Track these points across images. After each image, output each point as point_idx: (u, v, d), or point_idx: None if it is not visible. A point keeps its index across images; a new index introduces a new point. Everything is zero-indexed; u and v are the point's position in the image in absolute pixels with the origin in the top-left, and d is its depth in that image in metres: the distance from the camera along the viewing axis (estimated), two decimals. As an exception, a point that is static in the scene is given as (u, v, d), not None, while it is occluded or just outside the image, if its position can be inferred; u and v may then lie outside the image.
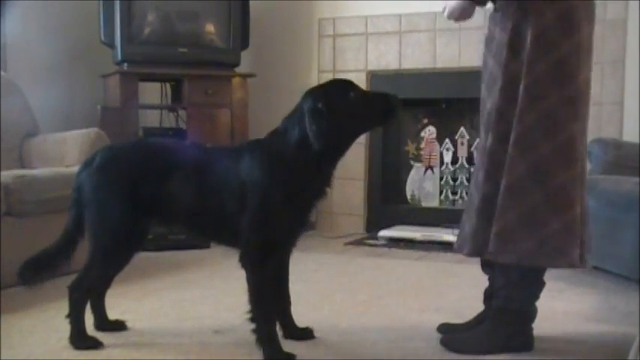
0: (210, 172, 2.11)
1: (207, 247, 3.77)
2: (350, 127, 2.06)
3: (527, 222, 2.02)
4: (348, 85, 2.06)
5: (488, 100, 2.14)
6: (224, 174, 2.09)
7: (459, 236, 2.25)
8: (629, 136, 3.83)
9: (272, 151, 2.06)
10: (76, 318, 2.17)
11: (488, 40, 2.18)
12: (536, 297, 2.19)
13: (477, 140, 4.32)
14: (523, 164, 2.01)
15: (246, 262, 2.06)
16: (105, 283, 2.32)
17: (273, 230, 2.05)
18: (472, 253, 2.15)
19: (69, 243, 2.23)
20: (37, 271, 2.20)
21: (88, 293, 2.22)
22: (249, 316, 2.06)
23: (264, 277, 2.08)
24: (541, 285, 2.18)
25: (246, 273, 2.06)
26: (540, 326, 2.26)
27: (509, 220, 2.03)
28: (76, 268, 2.23)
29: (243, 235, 2.04)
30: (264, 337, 2.06)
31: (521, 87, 2.01)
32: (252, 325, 2.06)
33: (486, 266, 2.26)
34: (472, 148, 4.42)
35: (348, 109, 2.01)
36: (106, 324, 2.34)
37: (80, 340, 2.17)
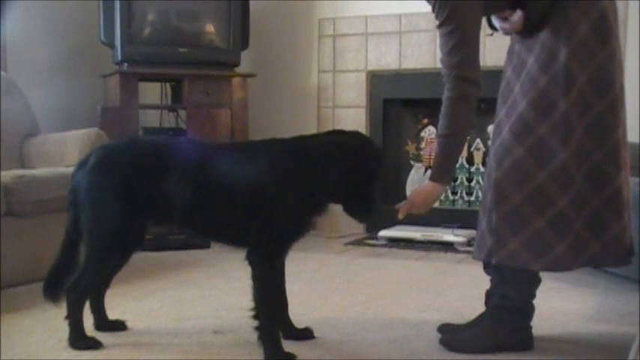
0: (214, 168, 2.09)
1: (208, 247, 3.77)
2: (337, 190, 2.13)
3: (591, 228, 2.04)
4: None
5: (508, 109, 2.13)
6: (234, 171, 2.07)
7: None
8: (629, 136, 3.77)
9: (301, 155, 2.07)
10: (74, 319, 2.17)
11: (518, 65, 2.14)
12: (532, 294, 2.18)
13: (477, 140, 4.37)
14: (580, 173, 2.03)
15: (254, 258, 2.05)
16: (104, 284, 2.32)
17: (292, 229, 2.07)
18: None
19: (72, 246, 2.23)
20: (57, 286, 2.20)
21: (86, 294, 2.21)
22: (252, 314, 2.06)
23: (271, 275, 2.08)
24: (536, 282, 2.18)
25: (253, 270, 2.05)
26: (540, 326, 2.27)
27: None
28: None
29: (255, 232, 2.03)
30: (267, 336, 2.05)
31: (564, 102, 2.00)
32: (254, 324, 2.05)
33: (489, 267, 2.26)
34: (472, 149, 4.41)
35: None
36: (105, 324, 2.34)
37: (79, 340, 2.17)
